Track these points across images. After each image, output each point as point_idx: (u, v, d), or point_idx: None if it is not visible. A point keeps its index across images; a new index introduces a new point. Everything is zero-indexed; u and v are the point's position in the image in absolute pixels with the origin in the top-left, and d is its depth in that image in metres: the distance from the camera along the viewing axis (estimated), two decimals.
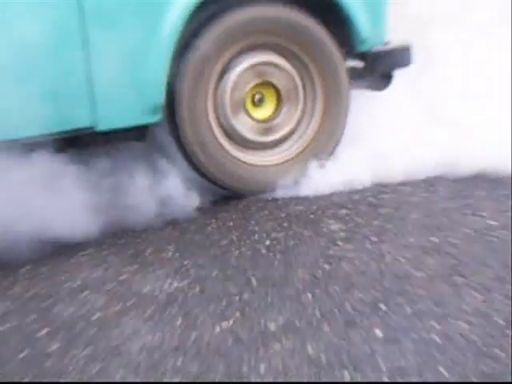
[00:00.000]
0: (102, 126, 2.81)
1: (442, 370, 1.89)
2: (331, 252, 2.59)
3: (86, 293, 2.48)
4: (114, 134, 2.88)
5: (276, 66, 3.09)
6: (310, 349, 2.04)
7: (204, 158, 3.02)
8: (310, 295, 2.32)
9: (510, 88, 3.62)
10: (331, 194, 3.09)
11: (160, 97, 2.87)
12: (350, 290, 2.33)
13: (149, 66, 2.83)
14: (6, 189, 2.67)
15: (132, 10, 2.76)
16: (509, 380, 1.60)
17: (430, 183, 3.11)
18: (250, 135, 3.12)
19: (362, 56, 3.24)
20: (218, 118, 3.05)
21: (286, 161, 3.20)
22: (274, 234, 2.77)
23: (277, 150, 3.21)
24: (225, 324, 2.21)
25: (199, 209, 3.05)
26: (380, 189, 3.09)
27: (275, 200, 3.09)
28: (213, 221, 2.95)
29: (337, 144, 3.24)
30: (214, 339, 2.13)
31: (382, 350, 1.99)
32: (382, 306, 2.21)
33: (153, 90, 2.86)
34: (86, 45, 2.70)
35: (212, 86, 3.02)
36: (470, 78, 3.73)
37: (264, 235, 2.78)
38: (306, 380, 1.90)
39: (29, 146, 2.69)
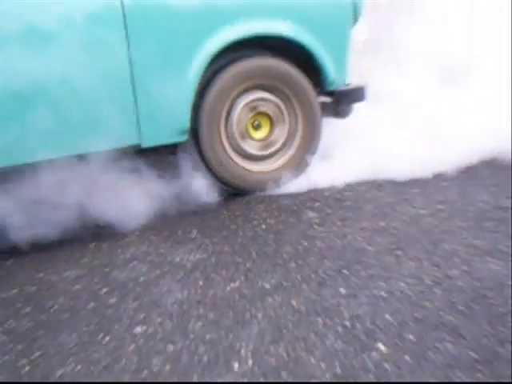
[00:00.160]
0: (146, 144, 2.81)
1: (387, 316, 1.89)
2: (309, 233, 2.60)
3: (134, 262, 2.48)
4: (155, 150, 2.89)
5: (268, 100, 3.09)
6: (293, 302, 2.04)
7: (218, 166, 3.01)
8: (293, 264, 2.32)
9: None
10: (309, 192, 3.09)
11: (187, 122, 2.87)
12: (322, 260, 2.33)
13: (179, 99, 2.83)
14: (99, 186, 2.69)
15: (169, 59, 2.76)
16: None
17: (379, 184, 3.11)
18: (252, 150, 3.12)
19: (330, 93, 3.24)
20: (228, 138, 3.05)
21: (277, 168, 3.19)
22: (268, 221, 2.77)
23: (270, 160, 3.20)
24: (233, 284, 2.21)
25: (215, 202, 3.04)
26: (343, 188, 3.09)
27: (269, 196, 3.08)
28: (224, 211, 2.95)
29: (313, 157, 3.24)
30: (226, 295, 2.13)
31: (344, 303, 2.00)
32: (345, 272, 2.22)
33: (182, 117, 2.86)
34: (134, 85, 2.70)
35: (224, 114, 3.01)
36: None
37: (261, 221, 2.78)
38: (290, 325, 1.91)
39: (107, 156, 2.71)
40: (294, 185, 3.15)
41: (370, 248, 2.39)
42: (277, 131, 3.15)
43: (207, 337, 1.89)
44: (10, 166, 2.55)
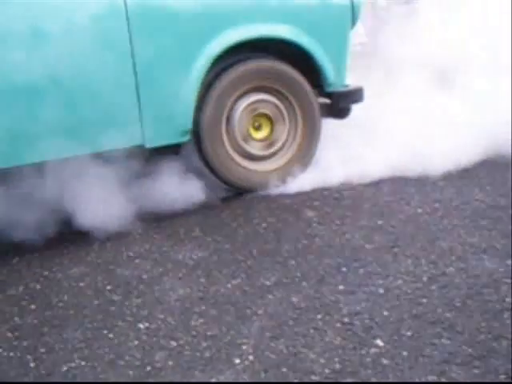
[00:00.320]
0: (149, 144, 2.80)
1: (385, 313, 1.89)
2: (308, 231, 2.59)
3: (138, 260, 2.48)
4: (158, 150, 2.89)
5: (268, 101, 3.08)
6: (293, 299, 2.04)
7: (220, 166, 3.01)
8: (293, 261, 2.32)
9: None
10: (308, 191, 3.08)
11: (189, 123, 2.86)
12: (321, 257, 2.33)
13: (181, 100, 2.82)
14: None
15: (172, 60, 2.75)
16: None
17: (377, 183, 3.10)
18: (253, 150, 3.11)
19: (329, 95, 3.23)
20: (229, 138, 3.04)
21: (277, 168, 3.18)
22: (268, 219, 2.77)
23: (271, 160, 3.19)
24: (234, 281, 2.21)
25: (217, 201, 3.04)
26: (342, 187, 3.08)
27: (270, 195, 3.08)
28: (226, 210, 2.94)
29: (312, 157, 3.23)
30: (227, 292, 2.13)
31: (343, 299, 2.00)
32: (344, 269, 2.22)
33: (184, 118, 2.85)
34: (137, 86, 2.69)
35: (225, 115, 3.01)
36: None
37: (261, 220, 2.77)
38: (291, 321, 1.91)
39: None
40: (294, 184, 3.14)
41: (368, 246, 2.39)
42: (277, 131, 3.14)
43: (209, 333, 1.89)
44: (13, 167, 2.54)
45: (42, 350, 1.89)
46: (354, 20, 3.16)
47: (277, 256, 2.38)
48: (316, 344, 1.77)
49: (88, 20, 2.57)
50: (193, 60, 2.80)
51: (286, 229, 2.64)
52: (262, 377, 1.64)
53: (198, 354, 1.78)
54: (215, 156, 2.99)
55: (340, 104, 3.24)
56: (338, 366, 1.66)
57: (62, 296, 2.23)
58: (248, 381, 1.63)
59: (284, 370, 1.67)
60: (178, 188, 2.92)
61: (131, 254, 2.54)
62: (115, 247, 2.62)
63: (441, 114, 3.51)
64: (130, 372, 1.74)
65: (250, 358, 1.74)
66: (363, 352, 1.71)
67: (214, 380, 1.65)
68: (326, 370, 1.64)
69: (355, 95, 3.26)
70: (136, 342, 1.88)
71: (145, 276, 2.33)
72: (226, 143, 3.03)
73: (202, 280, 2.25)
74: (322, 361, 1.69)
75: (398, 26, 4.21)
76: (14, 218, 2.62)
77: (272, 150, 3.16)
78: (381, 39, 4.14)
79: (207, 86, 2.93)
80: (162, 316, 2.02)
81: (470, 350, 1.66)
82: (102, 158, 2.67)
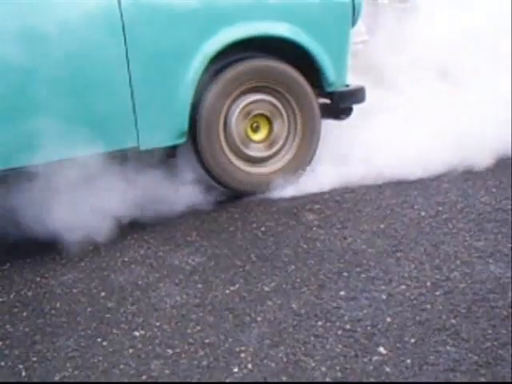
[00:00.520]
0: (144, 147, 2.80)
1: (388, 319, 1.89)
2: (308, 235, 2.59)
3: (133, 265, 2.47)
4: (153, 152, 2.88)
5: (267, 102, 3.08)
6: (293, 305, 2.04)
7: (217, 168, 3.00)
8: (293, 266, 2.32)
9: None
10: (308, 194, 3.07)
11: (185, 125, 2.86)
12: (322, 262, 2.33)
13: (177, 101, 2.82)
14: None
15: (167, 60, 2.75)
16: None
17: (379, 186, 3.10)
18: (251, 152, 3.11)
19: (330, 95, 3.23)
20: (226, 140, 3.04)
21: (276, 170, 3.18)
22: (267, 223, 2.77)
23: (270, 162, 3.19)
24: (232, 287, 2.21)
25: (214, 205, 3.04)
26: (343, 190, 3.08)
27: (268, 198, 3.07)
28: (223, 214, 2.94)
29: (312, 158, 3.23)
30: (225, 298, 2.13)
31: (345, 305, 2.00)
32: (345, 274, 2.22)
33: (180, 119, 2.85)
34: (132, 87, 2.69)
35: (222, 116, 3.00)
36: None
37: (260, 224, 2.77)
38: (290, 328, 1.90)
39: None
40: (294, 187, 3.14)
41: (370, 250, 2.38)
42: (276, 132, 3.14)
43: (206, 341, 1.88)
44: (6, 169, 2.54)
45: (34, 359, 1.88)
46: (354, 18, 3.16)
47: (276, 261, 2.38)
48: (317, 352, 1.77)
49: (81, 19, 2.56)
50: (189, 59, 2.80)
51: (286, 233, 2.64)
52: None
53: (195, 362, 1.78)
54: (212, 158, 2.98)
55: (341, 104, 3.24)
56: (339, 374, 1.66)
57: (54, 303, 2.23)
58: None
59: (284, 378, 1.67)
60: (174, 191, 2.92)
61: (126, 259, 2.54)
62: (109, 252, 2.62)
63: (443, 114, 3.51)
64: (125, 381, 1.73)
65: (249, 366, 1.73)
66: (365, 360, 1.70)
67: None
68: (327, 379, 1.64)
69: (356, 95, 3.26)
70: (131, 351, 1.87)
71: (140, 282, 2.32)
72: (224, 145, 3.03)
73: (199, 286, 2.24)
74: (323, 369, 1.68)
75: (399, 23, 4.22)
76: (5, 223, 2.61)
77: (270, 151, 3.15)
78: (382, 37, 4.14)
79: (204, 86, 2.93)
80: (157, 323, 2.01)
81: (475, 358, 1.66)
82: (96, 160, 2.67)
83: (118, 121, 2.72)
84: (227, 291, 2.18)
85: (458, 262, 2.21)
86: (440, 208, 2.74)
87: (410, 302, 1.97)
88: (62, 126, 2.58)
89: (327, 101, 3.28)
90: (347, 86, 3.26)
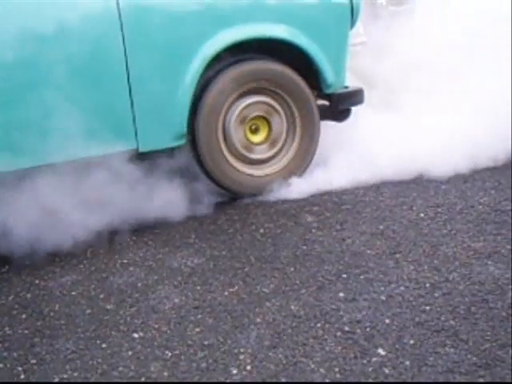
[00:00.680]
0: (143, 148, 2.80)
1: (387, 321, 1.89)
2: (307, 237, 2.59)
3: (132, 267, 2.47)
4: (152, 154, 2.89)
5: (266, 104, 3.08)
6: (292, 307, 2.04)
7: (216, 170, 3.00)
8: (292, 268, 2.32)
9: None
10: (307, 196, 3.08)
11: (184, 126, 2.86)
12: (321, 264, 2.33)
13: (176, 103, 2.82)
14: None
15: (166, 62, 2.76)
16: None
17: (378, 187, 3.10)
18: (250, 154, 3.11)
19: (328, 96, 3.24)
20: (225, 141, 3.04)
21: (275, 172, 3.18)
22: (266, 225, 2.77)
23: (268, 164, 3.19)
24: (231, 289, 2.21)
25: (213, 207, 3.04)
26: (341, 191, 3.08)
27: (267, 200, 3.07)
28: (222, 215, 2.94)
29: (311, 160, 3.23)
30: (224, 300, 2.13)
31: (344, 307, 2.00)
32: (344, 276, 2.22)
33: (179, 121, 2.85)
34: (131, 88, 2.69)
35: (221, 117, 3.01)
36: None
37: (259, 225, 2.77)
38: (289, 330, 1.90)
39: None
40: (292, 188, 3.14)
41: (369, 252, 2.39)
42: (275, 134, 3.14)
43: (205, 342, 1.88)
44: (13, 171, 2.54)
45: (33, 362, 1.88)
46: (353, 20, 3.17)
47: (275, 263, 2.38)
48: (316, 353, 1.77)
49: (80, 22, 2.57)
50: (188, 61, 2.80)
51: (285, 234, 2.64)
52: None
53: (194, 364, 1.78)
54: (212, 160, 2.99)
55: (339, 106, 3.24)
56: (338, 375, 1.66)
57: (53, 305, 2.23)
58: None
59: (283, 380, 1.67)
60: (173, 193, 2.92)
61: (125, 261, 2.54)
62: (108, 254, 2.62)
63: (441, 116, 3.52)
64: (124, 381, 1.73)
65: (248, 368, 1.73)
66: (365, 361, 1.70)
67: None
68: (327, 380, 1.64)
69: (355, 97, 3.26)
70: (130, 353, 1.87)
71: (139, 284, 2.32)
72: (223, 146, 3.03)
73: (198, 288, 2.24)
74: (322, 370, 1.68)
75: (398, 25, 4.22)
76: (4, 224, 2.61)
77: (269, 153, 3.16)
78: (380, 39, 4.15)
79: (202, 88, 2.93)
80: (156, 325, 2.01)
81: (474, 359, 1.66)
82: (95, 162, 2.67)
83: (117, 123, 2.72)
84: (226, 293, 2.18)
85: (457, 263, 2.22)
86: (439, 209, 2.74)
87: (408, 304, 1.97)
88: (61, 128, 2.58)
89: (326, 102, 3.28)
90: (346, 87, 3.26)
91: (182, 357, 1.82)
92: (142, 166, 2.89)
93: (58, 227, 2.65)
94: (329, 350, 1.77)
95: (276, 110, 3.10)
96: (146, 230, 2.81)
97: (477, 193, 2.89)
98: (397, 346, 1.75)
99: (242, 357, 1.79)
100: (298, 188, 3.13)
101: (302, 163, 3.21)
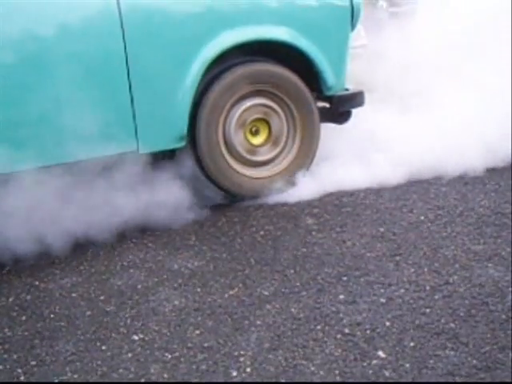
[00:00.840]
0: (143, 150, 2.80)
1: (387, 323, 1.89)
2: (307, 239, 2.59)
3: (132, 269, 2.48)
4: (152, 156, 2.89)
5: (266, 106, 3.08)
6: (292, 309, 2.04)
7: (216, 172, 3.00)
8: (292, 270, 2.32)
9: None
10: (307, 198, 3.08)
11: (184, 128, 2.86)
12: (321, 266, 2.33)
13: (176, 105, 2.82)
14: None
15: (166, 64, 2.76)
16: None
17: (378, 190, 3.10)
18: (248, 155, 3.11)
19: (329, 99, 3.24)
20: (226, 144, 3.04)
21: (276, 174, 3.18)
22: (266, 227, 2.77)
23: (269, 166, 3.19)
24: (231, 291, 2.21)
25: (213, 209, 3.04)
26: (341, 194, 3.08)
27: (267, 202, 3.07)
28: (222, 218, 2.94)
29: (311, 162, 3.23)
30: (224, 302, 2.13)
31: (344, 309, 2.00)
32: (344, 278, 2.22)
33: (179, 123, 2.85)
34: (132, 90, 2.69)
35: (222, 121, 3.01)
36: None
37: (259, 228, 2.77)
38: (289, 332, 1.90)
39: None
40: (292, 191, 3.14)
41: (369, 254, 2.39)
42: (275, 137, 3.14)
43: (205, 345, 1.88)
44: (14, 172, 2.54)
45: (33, 363, 1.88)
46: (354, 22, 3.17)
47: (275, 265, 2.38)
48: (316, 356, 1.77)
49: (80, 24, 2.57)
50: (188, 64, 2.80)
51: (285, 237, 2.64)
52: None
53: (194, 366, 1.78)
54: (212, 161, 2.99)
55: (340, 108, 3.24)
56: (338, 378, 1.66)
57: (53, 307, 2.23)
58: None
59: (283, 382, 1.67)
60: (173, 195, 2.92)
61: (125, 263, 2.54)
62: (108, 256, 2.62)
63: (442, 118, 3.52)
64: (122, 381, 1.73)
65: (248, 370, 1.73)
66: (365, 364, 1.70)
67: None
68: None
69: (355, 99, 3.26)
70: (130, 355, 1.87)
71: (139, 286, 2.32)
72: (223, 148, 3.03)
73: (198, 290, 2.24)
74: (322, 373, 1.68)
75: (399, 27, 4.23)
76: (4, 225, 2.61)
77: (270, 156, 3.16)
78: (381, 41, 4.16)
79: (203, 90, 2.93)
80: (156, 327, 2.01)
81: (474, 362, 1.66)
82: (95, 164, 2.67)
83: (118, 124, 2.72)
84: (226, 295, 2.18)
85: (457, 265, 2.22)
86: (439, 212, 2.74)
87: (409, 306, 1.97)
88: (62, 130, 2.59)
89: (326, 104, 3.28)
90: (346, 89, 3.26)
91: (182, 359, 1.82)
92: (141, 168, 2.89)
93: (57, 229, 2.65)
94: (329, 353, 1.77)
95: (276, 112, 3.10)
96: (146, 232, 2.81)
97: (477, 195, 2.90)
98: (397, 349, 1.75)
99: (241, 359, 1.79)
100: (298, 190, 3.13)
101: (302, 165, 3.20)
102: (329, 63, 3.11)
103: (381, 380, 1.63)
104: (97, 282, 2.39)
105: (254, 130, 3.11)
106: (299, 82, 3.11)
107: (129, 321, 2.07)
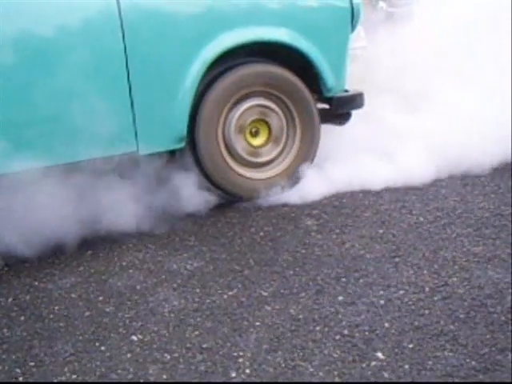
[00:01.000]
0: (143, 151, 2.80)
1: (386, 324, 1.89)
2: (307, 240, 2.59)
3: (131, 270, 2.47)
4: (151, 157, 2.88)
5: (266, 107, 3.08)
6: (291, 310, 2.04)
7: (215, 173, 3.00)
8: (291, 271, 2.32)
9: None
10: (307, 199, 3.08)
11: (184, 130, 2.86)
12: (320, 267, 2.33)
13: (176, 106, 2.82)
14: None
15: (166, 65, 2.76)
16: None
17: (378, 191, 3.10)
18: (249, 157, 3.11)
19: (329, 100, 3.24)
20: (225, 145, 3.04)
21: (275, 175, 3.18)
22: (265, 228, 2.77)
23: (269, 167, 3.19)
24: (230, 292, 2.21)
25: (213, 210, 3.03)
26: (341, 195, 3.08)
27: (267, 203, 3.07)
28: (222, 218, 2.94)
29: (311, 163, 3.23)
30: (223, 303, 2.13)
31: (343, 311, 2.00)
32: (343, 279, 2.22)
33: (179, 124, 2.85)
34: (131, 91, 2.69)
35: (222, 121, 3.00)
36: None
37: (258, 228, 2.77)
38: (288, 333, 1.90)
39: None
40: (292, 192, 3.14)
41: (368, 255, 2.39)
42: (274, 139, 3.14)
43: (204, 345, 1.88)
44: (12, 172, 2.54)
45: (32, 364, 1.88)
46: (353, 23, 3.17)
47: (274, 266, 2.38)
48: (315, 357, 1.77)
49: (80, 24, 2.57)
50: (188, 65, 2.80)
51: (284, 238, 2.64)
52: None
53: (192, 367, 1.78)
54: (211, 162, 2.99)
55: (339, 110, 3.24)
56: (337, 379, 1.66)
57: (52, 307, 2.22)
58: None
59: (282, 383, 1.67)
60: (172, 196, 2.92)
61: (124, 263, 2.54)
62: (107, 257, 2.61)
63: (441, 118, 3.52)
64: (121, 381, 1.73)
65: (247, 371, 1.73)
66: (363, 365, 1.70)
67: None
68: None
69: (355, 101, 3.26)
70: (129, 355, 1.87)
71: (138, 286, 2.32)
72: (223, 149, 3.03)
73: (198, 291, 2.24)
74: (321, 374, 1.68)
75: (398, 28, 4.23)
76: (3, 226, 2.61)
77: (270, 157, 3.16)
78: (381, 42, 4.16)
79: (202, 91, 2.93)
80: (155, 328, 2.01)
81: (473, 363, 1.66)
82: (94, 165, 2.67)
83: (117, 125, 2.72)
84: (225, 296, 2.18)
85: (457, 267, 2.22)
86: (438, 213, 2.74)
87: (408, 308, 1.97)
88: (61, 131, 2.59)
89: (326, 106, 3.29)
90: (346, 91, 3.26)
91: (181, 360, 1.82)
92: (141, 169, 2.89)
93: (57, 229, 2.65)
94: (328, 354, 1.77)
95: (275, 113, 3.10)
96: (145, 233, 2.81)
97: (476, 197, 2.90)
98: (396, 350, 1.75)
99: (240, 360, 1.79)
100: (298, 191, 3.13)
101: (301, 166, 3.20)
102: (329, 64, 3.11)
103: (380, 381, 1.62)
104: (96, 283, 2.39)
105: (253, 131, 3.11)
106: (299, 84, 3.11)
107: (128, 321, 2.07)
